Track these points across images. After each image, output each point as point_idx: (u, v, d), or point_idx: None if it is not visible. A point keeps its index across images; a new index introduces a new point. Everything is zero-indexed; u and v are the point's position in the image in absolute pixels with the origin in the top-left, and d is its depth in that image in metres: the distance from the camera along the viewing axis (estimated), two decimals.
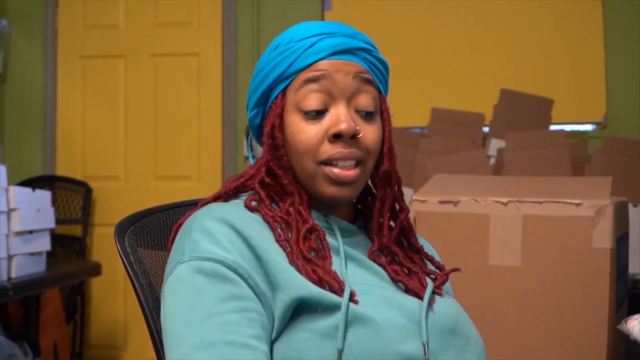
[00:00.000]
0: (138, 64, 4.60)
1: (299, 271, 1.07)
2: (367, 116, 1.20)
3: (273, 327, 1.06)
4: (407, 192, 2.89)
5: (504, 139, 3.48)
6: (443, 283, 1.24)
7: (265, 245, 1.09)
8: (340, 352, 1.01)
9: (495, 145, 3.63)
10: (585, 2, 3.99)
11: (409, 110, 3.95)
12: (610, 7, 3.96)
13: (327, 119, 1.17)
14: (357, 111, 1.19)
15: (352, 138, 1.16)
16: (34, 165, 4.65)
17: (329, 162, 1.16)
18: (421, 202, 2.20)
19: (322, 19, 4.28)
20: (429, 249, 1.37)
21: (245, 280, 1.05)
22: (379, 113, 1.23)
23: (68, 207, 4.52)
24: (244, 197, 1.23)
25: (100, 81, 4.65)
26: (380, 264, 1.20)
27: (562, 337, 2.04)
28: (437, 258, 1.35)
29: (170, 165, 4.56)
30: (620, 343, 2.19)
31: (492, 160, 3.59)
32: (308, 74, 1.17)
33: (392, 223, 1.27)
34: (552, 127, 3.73)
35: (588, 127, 4.00)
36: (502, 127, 3.66)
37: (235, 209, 1.15)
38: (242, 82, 4.45)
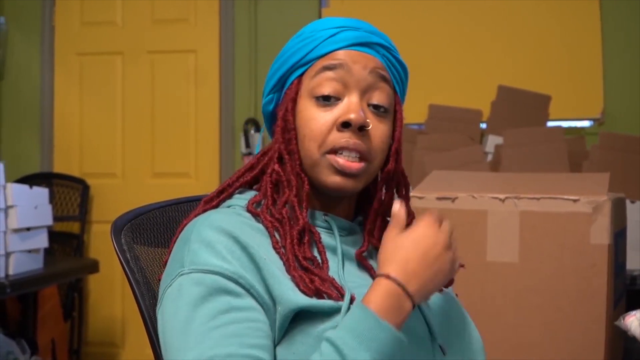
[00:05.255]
0: (135, 61, 4.59)
1: (296, 283, 1.06)
2: (379, 112, 1.19)
3: (275, 335, 1.05)
4: None
5: (501, 136, 3.48)
6: None
7: (263, 254, 1.08)
8: None
9: (492, 141, 3.63)
10: None
11: (406, 106, 3.88)
12: (608, 4, 3.96)
13: (339, 108, 1.17)
14: (370, 105, 1.19)
15: (360, 130, 1.16)
16: (32, 162, 4.64)
17: (334, 151, 1.16)
18: (419, 198, 2.20)
19: (319, 16, 4.28)
20: None
21: (247, 290, 1.05)
22: (391, 112, 1.23)
23: (65, 204, 4.52)
24: (245, 195, 1.23)
25: (98, 78, 4.64)
26: (365, 266, 1.19)
27: (560, 334, 2.04)
28: None
29: (167, 162, 4.55)
30: (618, 339, 2.19)
31: (490, 157, 3.60)
32: (325, 61, 1.18)
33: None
34: (550, 124, 3.73)
35: (585, 124, 4.01)
36: (500, 124, 3.65)
37: (232, 217, 1.14)
38: (239, 79, 4.44)
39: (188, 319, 1.02)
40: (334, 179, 1.16)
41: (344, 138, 1.15)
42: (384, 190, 1.25)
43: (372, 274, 1.18)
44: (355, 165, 1.16)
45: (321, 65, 1.18)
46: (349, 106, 1.16)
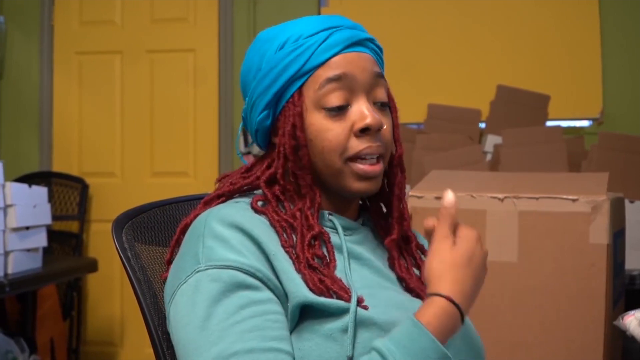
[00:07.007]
0: (134, 61, 4.59)
1: (305, 280, 1.07)
2: (382, 107, 1.21)
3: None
4: None
5: (500, 135, 3.48)
6: None
7: (274, 249, 1.09)
8: (350, 359, 1.02)
9: (491, 141, 3.63)
10: None
11: (405, 106, 3.88)
12: (607, 4, 3.96)
13: (351, 115, 1.17)
14: (374, 103, 1.20)
15: (377, 131, 1.18)
16: (31, 161, 4.64)
17: (356, 157, 1.17)
18: (418, 198, 2.20)
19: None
20: (420, 239, 1.37)
21: (264, 283, 1.05)
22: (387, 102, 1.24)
23: (64, 203, 4.51)
24: (246, 196, 1.23)
25: (97, 77, 4.64)
26: (392, 256, 1.22)
27: (559, 333, 2.04)
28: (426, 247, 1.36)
29: (166, 161, 4.55)
30: (617, 339, 2.20)
31: (489, 157, 3.60)
32: (328, 72, 1.17)
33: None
34: (549, 123, 3.73)
35: (585, 123, 4.01)
36: (499, 123, 3.66)
37: (241, 211, 1.14)
38: (238, 78, 4.39)
39: (207, 315, 1.02)
40: (360, 185, 1.18)
41: (364, 144, 1.16)
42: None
43: (392, 263, 1.22)
44: (377, 168, 1.18)
45: (324, 78, 1.17)
46: (362, 111, 1.17)
